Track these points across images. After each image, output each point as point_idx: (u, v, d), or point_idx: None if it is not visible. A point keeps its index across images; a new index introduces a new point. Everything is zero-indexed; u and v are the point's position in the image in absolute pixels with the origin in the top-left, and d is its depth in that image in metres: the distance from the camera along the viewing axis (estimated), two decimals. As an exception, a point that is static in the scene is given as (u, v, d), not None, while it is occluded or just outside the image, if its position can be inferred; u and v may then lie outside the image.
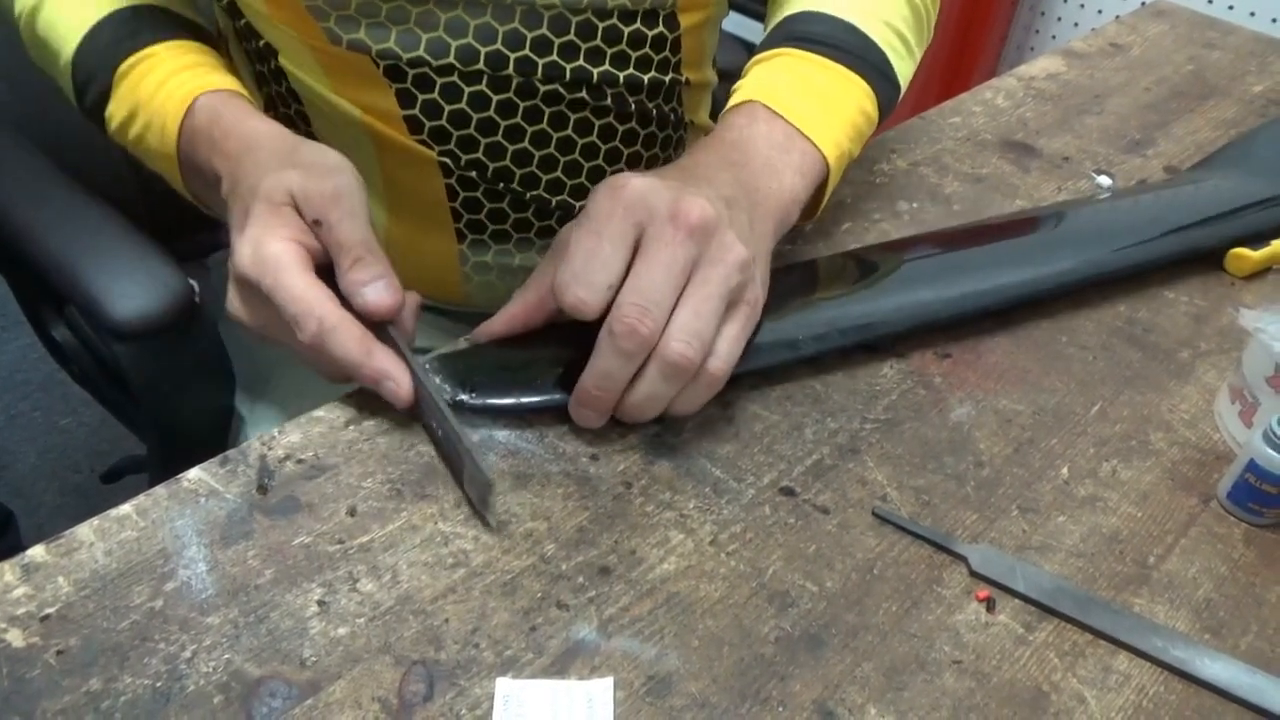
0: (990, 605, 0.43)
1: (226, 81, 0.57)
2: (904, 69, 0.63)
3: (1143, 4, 1.03)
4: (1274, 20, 1.63)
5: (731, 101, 0.59)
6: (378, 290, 0.47)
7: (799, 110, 0.56)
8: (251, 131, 0.53)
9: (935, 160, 0.73)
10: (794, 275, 0.58)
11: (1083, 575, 0.45)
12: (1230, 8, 1.64)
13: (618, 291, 0.45)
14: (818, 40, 0.59)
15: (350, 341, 0.46)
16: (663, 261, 0.45)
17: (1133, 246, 0.61)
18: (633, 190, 0.46)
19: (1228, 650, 0.43)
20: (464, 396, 0.48)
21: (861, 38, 0.60)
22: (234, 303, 0.50)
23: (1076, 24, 1.87)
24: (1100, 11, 1.82)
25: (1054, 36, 1.92)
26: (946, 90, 1.74)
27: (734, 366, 0.47)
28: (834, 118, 0.57)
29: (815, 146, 0.56)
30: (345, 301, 0.47)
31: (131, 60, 0.57)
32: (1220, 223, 0.64)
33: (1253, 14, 1.64)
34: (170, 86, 0.56)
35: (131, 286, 0.66)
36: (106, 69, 0.57)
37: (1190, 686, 0.41)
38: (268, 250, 0.47)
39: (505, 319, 0.50)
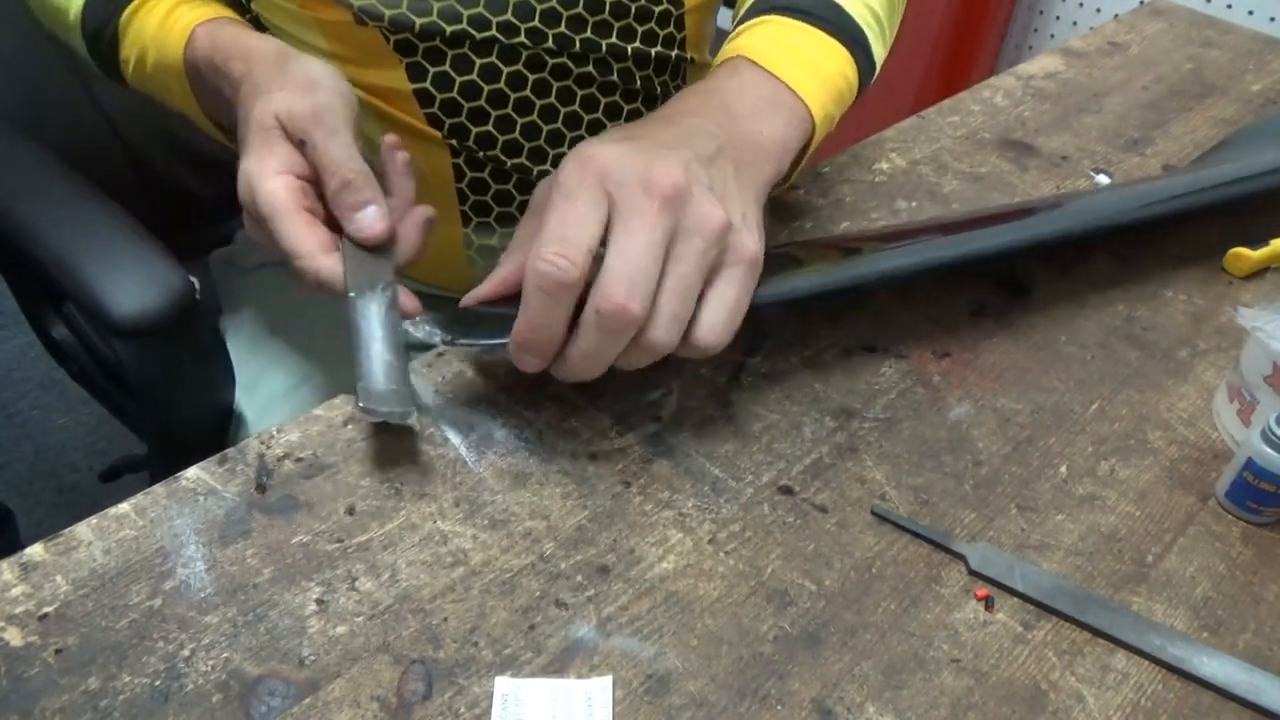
0: (989, 604, 0.43)
1: (221, 11, 0.59)
2: (879, 50, 0.62)
3: (1141, 3, 1.03)
4: (1272, 19, 1.63)
5: (716, 61, 0.58)
6: (369, 217, 0.49)
7: (785, 67, 0.55)
8: (248, 51, 0.54)
9: (934, 159, 0.73)
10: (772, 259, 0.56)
11: (1081, 574, 0.45)
12: (1229, 6, 1.64)
13: (595, 267, 0.44)
14: (800, 10, 0.58)
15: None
16: (643, 238, 0.43)
17: (1141, 208, 0.61)
18: (601, 160, 0.44)
19: (1226, 648, 0.43)
20: (447, 339, 0.48)
21: (842, 13, 0.59)
22: (249, 227, 0.51)
23: (1075, 23, 1.87)
24: (1099, 10, 1.82)
25: (1053, 35, 1.92)
26: (946, 89, 1.74)
27: (732, 331, 0.45)
28: (818, 78, 0.56)
29: (802, 102, 0.54)
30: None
31: (136, 4, 0.59)
32: (1231, 187, 0.63)
33: (1251, 13, 1.64)
34: (170, 22, 0.58)
35: (132, 283, 0.66)
36: (113, 16, 0.59)
37: (1188, 685, 0.41)
38: (261, 191, 0.48)
39: (495, 283, 0.49)
